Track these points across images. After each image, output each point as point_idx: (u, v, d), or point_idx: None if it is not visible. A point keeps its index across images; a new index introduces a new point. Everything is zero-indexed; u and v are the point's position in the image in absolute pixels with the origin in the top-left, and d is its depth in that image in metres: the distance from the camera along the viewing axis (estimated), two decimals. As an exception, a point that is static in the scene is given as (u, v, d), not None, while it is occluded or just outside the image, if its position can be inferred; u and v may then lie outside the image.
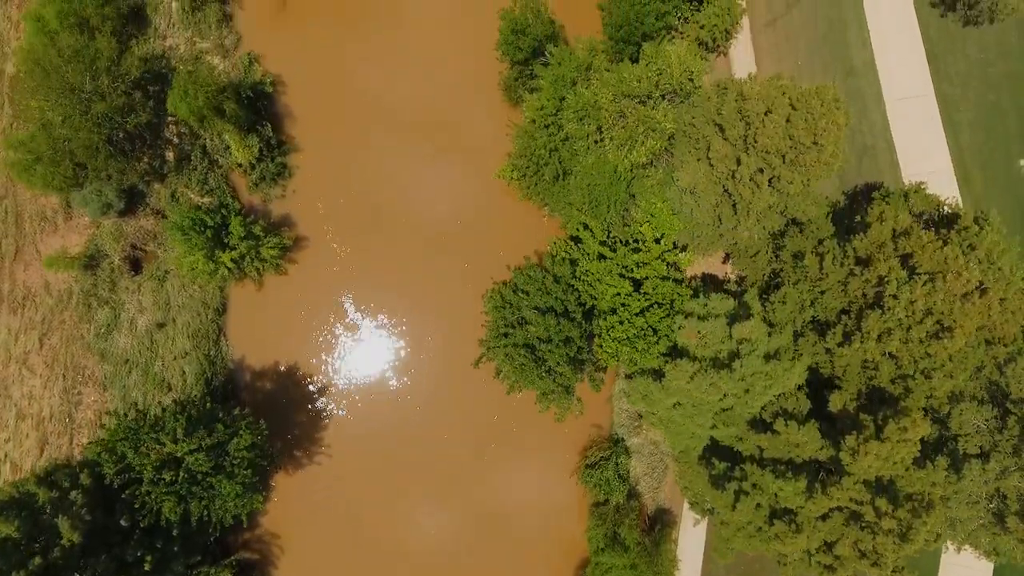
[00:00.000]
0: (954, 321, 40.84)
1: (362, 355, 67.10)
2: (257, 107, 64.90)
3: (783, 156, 43.72)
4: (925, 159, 61.98)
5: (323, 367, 67.48)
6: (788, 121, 42.61)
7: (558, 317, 51.06)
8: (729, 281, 60.88)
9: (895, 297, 41.36)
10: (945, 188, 61.60)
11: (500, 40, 59.98)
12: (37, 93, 53.78)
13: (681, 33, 62.44)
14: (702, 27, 58.96)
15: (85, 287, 64.71)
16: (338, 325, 67.01)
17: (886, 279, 42.02)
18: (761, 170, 44.82)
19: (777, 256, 53.00)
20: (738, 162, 44.59)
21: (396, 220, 66.86)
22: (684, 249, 58.01)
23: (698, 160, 49.42)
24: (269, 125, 64.69)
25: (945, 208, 51.62)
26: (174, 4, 65.27)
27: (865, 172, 62.67)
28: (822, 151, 42.65)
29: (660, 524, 64.80)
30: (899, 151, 62.13)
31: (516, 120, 62.21)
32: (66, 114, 53.01)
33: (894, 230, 44.31)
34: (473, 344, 59.48)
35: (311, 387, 67.28)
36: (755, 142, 43.31)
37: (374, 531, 65.91)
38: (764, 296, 53.44)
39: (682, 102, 52.87)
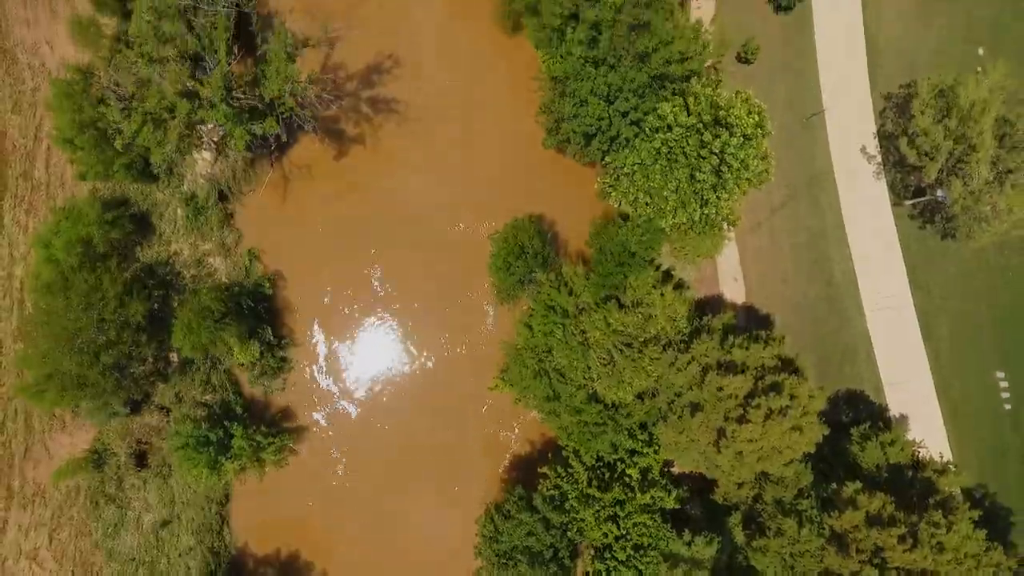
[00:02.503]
0: (923, 623, 43.04)
1: (358, 542, 69.06)
2: (257, 311, 67.01)
3: (761, 447, 45.83)
4: (904, 367, 63.93)
5: (324, 551, 69.50)
6: (764, 424, 44.73)
7: (546, 564, 53.16)
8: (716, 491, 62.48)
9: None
10: (923, 396, 63.71)
11: (491, 265, 62.03)
12: (46, 339, 55.91)
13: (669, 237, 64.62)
14: (686, 253, 61.10)
15: (92, 485, 66.87)
16: (337, 513, 68.98)
17: (859, 574, 44.15)
18: (741, 453, 46.87)
19: (760, 495, 54.94)
20: (718, 449, 46.64)
21: (395, 406, 68.97)
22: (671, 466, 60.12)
23: (679, 417, 51.47)
24: (269, 328, 66.89)
25: (921, 451, 53.55)
26: (179, 211, 67.46)
27: (846, 378, 64.62)
28: (796, 452, 44.81)
29: None
30: (879, 359, 64.12)
31: (508, 332, 64.37)
32: (75, 362, 55.14)
33: (867, 513, 46.40)
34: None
35: (313, 572, 69.37)
36: (734, 438, 45.42)
37: None
38: (747, 527, 55.55)
39: (666, 349, 54.91)
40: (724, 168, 50.10)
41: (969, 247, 63.04)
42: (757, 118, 49.05)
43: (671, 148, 51.12)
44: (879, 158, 64.95)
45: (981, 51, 65.02)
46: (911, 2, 67.14)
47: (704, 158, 50.08)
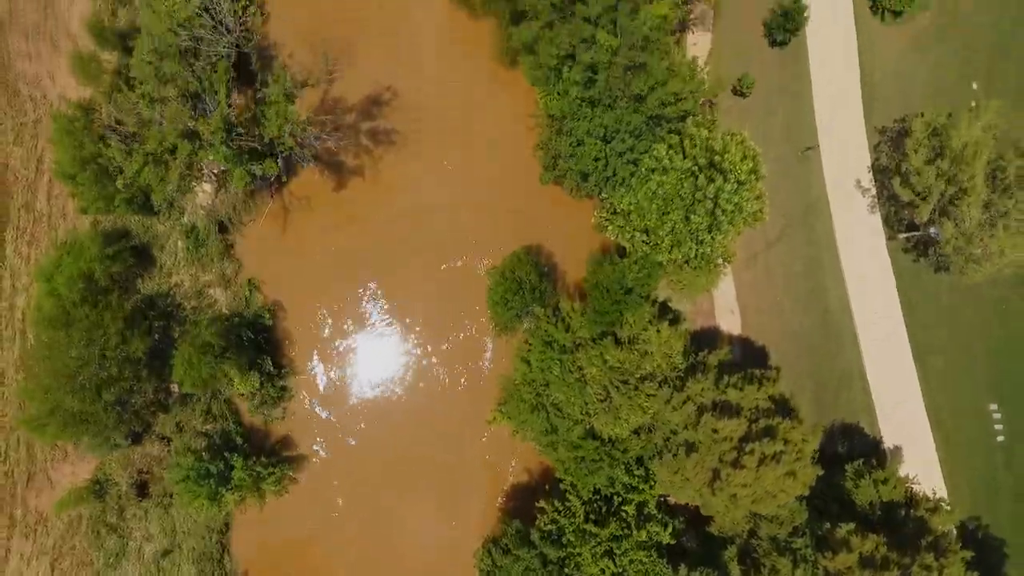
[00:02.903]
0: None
1: (358, 569, 69.60)
2: (257, 341, 67.53)
3: (754, 491, 46.47)
4: (898, 398, 64.42)
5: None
6: (758, 470, 45.33)
7: (543, 603, 53.89)
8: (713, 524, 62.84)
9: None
10: (917, 428, 64.28)
11: (489, 299, 62.56)
12: (48, 374, 56.50)
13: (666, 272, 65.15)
14: (683, 287, 61.66)
15: (94, 514, 67.51)
16: (338, 539, 69.56)
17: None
18: (735, 496, 47.48)
19: (755, 532, 55.49)
20: (713, 491, 47.23)
21: (394, 433, 69.49)
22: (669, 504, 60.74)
23: (675, 456, 52.05)
24: (269, 358, 67.38)
25: (914, 487, 54.13)
26: (180, 242, 68.03)
27: (842, 409, 65.11)
28: (789, 496, 45.45)
29: None
30: (873, 390, 64.64)
31: (506, 364, 64.95)
32: (77, 399, 55.75)
33: (861, 555, 47.02)
34: None
35: (311, 599, 69.93)
36: (728, 482, 46.05)
37: None
38: (743, 562, 56.12)
39: (662, 385, 55.45)
40: (719, 211, 50.64)
41: (963, 281, 63.46)
42: (752, 163, 49.59)
43: (666, 191, 51.65)
44: (873, 191, 65.43)
45: (975, 85, 65.53)
46: (906, 35, 67.56)
47: (699, 201, 50.63)
